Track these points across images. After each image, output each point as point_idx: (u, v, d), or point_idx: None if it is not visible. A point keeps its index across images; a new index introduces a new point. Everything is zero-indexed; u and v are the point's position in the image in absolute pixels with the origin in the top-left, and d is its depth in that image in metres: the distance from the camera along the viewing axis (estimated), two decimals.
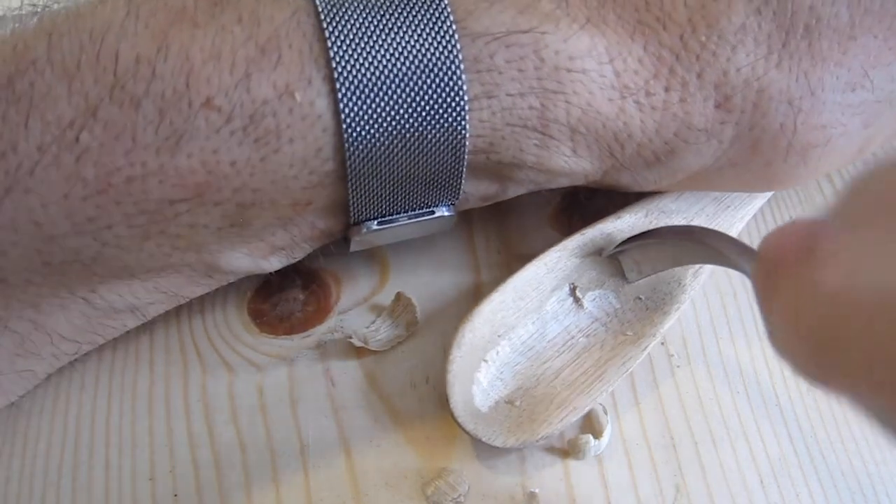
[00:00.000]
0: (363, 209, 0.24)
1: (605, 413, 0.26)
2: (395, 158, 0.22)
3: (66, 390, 0.27)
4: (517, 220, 0.31)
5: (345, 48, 0.21)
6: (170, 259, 0.23)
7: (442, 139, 0.22)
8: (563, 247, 0.27)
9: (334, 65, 0.21)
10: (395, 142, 0.22)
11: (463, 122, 0.22)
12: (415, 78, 0.22)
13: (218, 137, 0.21)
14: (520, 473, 0.25)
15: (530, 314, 0.27)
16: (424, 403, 0.26)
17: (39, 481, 0.25)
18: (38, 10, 0.22)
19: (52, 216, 0.21)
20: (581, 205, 0.30)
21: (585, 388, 0.25)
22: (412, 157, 0.23)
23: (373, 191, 0.23)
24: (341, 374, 0.27)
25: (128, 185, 0.21)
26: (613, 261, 0.27)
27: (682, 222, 0.28)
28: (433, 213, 0.25)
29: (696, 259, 0.26)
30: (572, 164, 0.24)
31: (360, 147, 0.22)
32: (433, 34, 0.21)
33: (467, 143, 0.23)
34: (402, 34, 0.21)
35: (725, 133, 0.24)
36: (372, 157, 0.22)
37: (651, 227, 0.28)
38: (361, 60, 0.21)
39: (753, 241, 0.30)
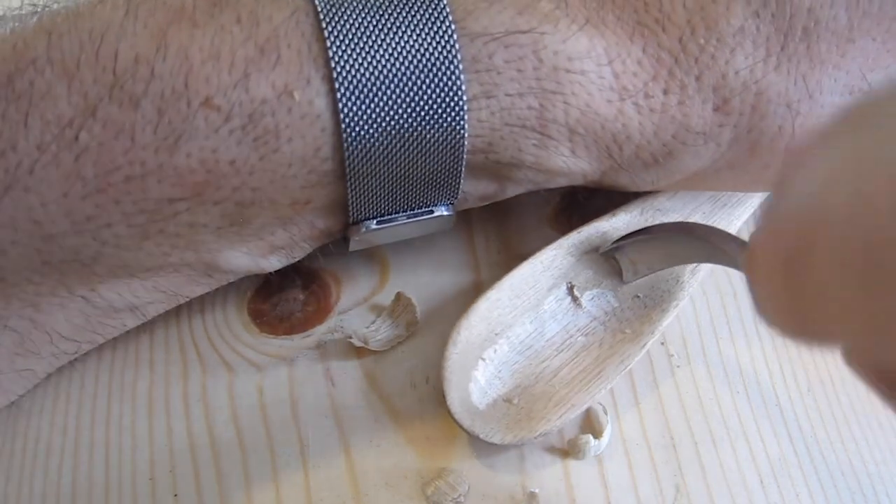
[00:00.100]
0: (362, 208, 0.24)
1: (605, 413, 0.26)
2: (394, 158, 0.22)
3: (66, 390, 0.27)
4: (517, 220, 0.31)
5: (343, 48, 0.21)
6: (169, 258, 0.23)
7: (441, 139, 0.22)
8: (558, 245, 0.27)
9: (333, 64, 0.21)
10: (394, 141, 0.22)
11: (462, 122, 0.22)
12: (414, 78, 0.22)
13: (217, 137, 0.21)
14: (520, 473, 0.25)
15: (527, 312, 0.26)
16: (424, 403, 0.26)
17: (39, 481, 0.25)
18: (38, 9, 0.22)
19: (51, 215, 0.21)
20: (580, 204, 0.30)
21: (584, 385, 0.25)
22: (411, 156, 0.23)
23: (372, 190, 0.23)
24: (341, 374, 0.27)
25: (127, 184, 0.21)
26: (610, 260, 0.27)
27: (679, 220, 0.28)
28: (432, 212, 0.25)
29: (691, 257, 0.26)
30: (571, 164, 0.24)
31: (359, 146, 0.22)
32: (432, 34, 0.22)
33: (466, 142, 0.23)
34: (400, 34, 0.21)
35: (723, 136, 0.24)
36: (371, 157, 0.22)
37: (647, 224, 0.28)
38: (360, 60, 0.21)
39: None
